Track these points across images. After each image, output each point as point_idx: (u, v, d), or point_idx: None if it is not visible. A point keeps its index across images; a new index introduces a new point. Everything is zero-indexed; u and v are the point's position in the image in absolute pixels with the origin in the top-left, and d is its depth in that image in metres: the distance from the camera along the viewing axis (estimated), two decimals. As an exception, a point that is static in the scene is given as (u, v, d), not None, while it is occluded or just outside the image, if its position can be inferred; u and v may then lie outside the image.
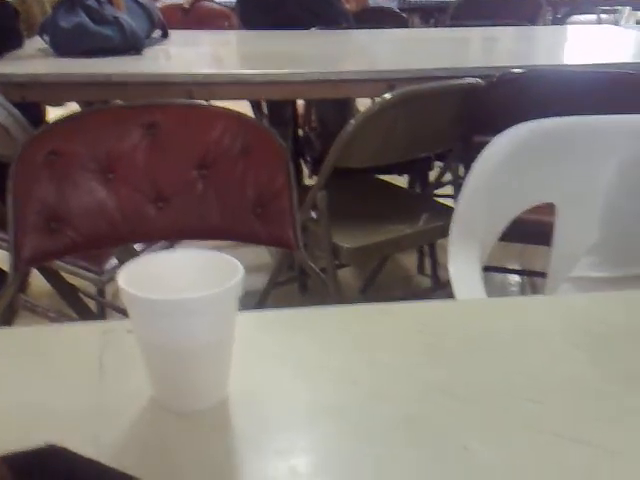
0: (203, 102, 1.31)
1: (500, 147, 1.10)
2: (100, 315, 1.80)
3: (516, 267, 2.41)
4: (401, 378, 0.59)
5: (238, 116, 1.16)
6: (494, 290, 2.32)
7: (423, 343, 0.65)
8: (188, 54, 2.03)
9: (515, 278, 2.43)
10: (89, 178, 1.11)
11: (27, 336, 0.67)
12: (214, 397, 0.55)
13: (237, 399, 0.55)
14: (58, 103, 2.31)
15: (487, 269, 1.11)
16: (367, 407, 0.55)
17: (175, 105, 1.17)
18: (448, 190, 2.02)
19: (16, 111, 1.37)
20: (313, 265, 1.21)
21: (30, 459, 0.39)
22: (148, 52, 1.90)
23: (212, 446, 0.50)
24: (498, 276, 2.38)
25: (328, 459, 0.50)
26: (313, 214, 1.62)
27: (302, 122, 2.55)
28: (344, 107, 2.27)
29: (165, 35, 2.11)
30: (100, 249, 1.47)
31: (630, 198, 0.95)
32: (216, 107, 1.19)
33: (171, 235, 1.19)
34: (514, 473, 0.49)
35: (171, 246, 1.38)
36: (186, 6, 2.52)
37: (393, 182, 2.04)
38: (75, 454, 0.41)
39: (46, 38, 1.83)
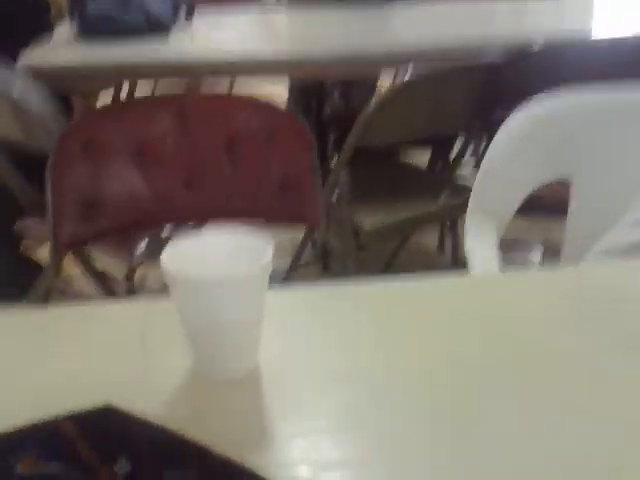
0: (230, 92, 1.36)
1: (518, 122, 1.12)
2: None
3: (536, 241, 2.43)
4: (415, 351, 0.64)
5: (263, 104, 1.22)
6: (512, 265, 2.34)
7: (435, 319, 0.69)
8: (214, 35, 2.04)
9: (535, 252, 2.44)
10: (123, 165, 1.17)
11: (71, 314, 0.72)
12: (246, 367, 0.60)
13: (265, 368, 0.61)
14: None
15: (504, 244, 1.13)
16: (385, 377, 0.60)
17: (203, 95, 1.22)
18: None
19: (53, 103, 1.42)
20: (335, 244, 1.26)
21: (91, 417, 0.44)
22: (174, 35, 1.93)
23: (244, 410, 0.56)
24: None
25: (347, 421, 0.55)
26: (334, 198, 1.66)
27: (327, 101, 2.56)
28: (367, 86, 2.29)
29: (191, 15, 2.11)
30: (131, 233, 1.53)
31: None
32: (242, 96, 1.24)
33: (200, 216, 1.24)
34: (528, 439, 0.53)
35: (199, 228, 1.43)
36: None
37: (416, 159, 2.04)
38: (129, 414, 0.46)
39: (74, 24, 1.89)
